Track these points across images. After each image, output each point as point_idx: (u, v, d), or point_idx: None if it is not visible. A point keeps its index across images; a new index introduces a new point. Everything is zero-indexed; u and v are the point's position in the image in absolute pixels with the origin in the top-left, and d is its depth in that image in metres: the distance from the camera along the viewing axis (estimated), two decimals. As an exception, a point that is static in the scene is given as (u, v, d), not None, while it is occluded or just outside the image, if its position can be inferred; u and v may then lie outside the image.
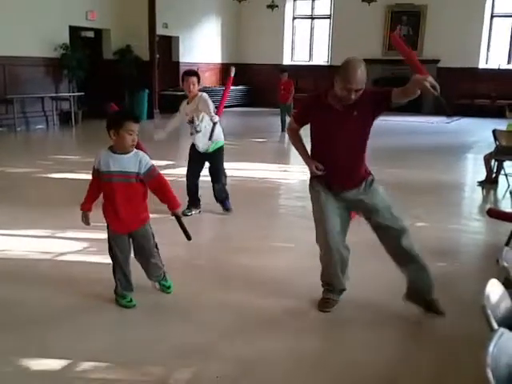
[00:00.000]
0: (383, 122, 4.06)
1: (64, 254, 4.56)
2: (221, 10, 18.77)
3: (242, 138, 11.45)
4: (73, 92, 13.43)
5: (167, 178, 3.55)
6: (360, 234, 3.50)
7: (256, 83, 18.73)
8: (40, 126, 12.64)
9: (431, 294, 3.46)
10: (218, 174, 5.54)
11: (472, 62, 17.27)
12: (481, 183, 7.45)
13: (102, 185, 3.41)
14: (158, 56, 15.11)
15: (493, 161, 7.47)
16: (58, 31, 12.76)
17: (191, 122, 5.34)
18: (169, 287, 3.68)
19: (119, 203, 3.36)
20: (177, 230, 3.50)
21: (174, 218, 3.47)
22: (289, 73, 12.89)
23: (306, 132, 3.56)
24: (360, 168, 3.42)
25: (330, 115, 3.30)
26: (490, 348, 1.58)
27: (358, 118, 3.27)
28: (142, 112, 14.72)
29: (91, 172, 3.50)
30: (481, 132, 12.55)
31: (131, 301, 3.58)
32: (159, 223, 3.93)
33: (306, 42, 20.06)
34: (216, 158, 5.49)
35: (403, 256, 3.40)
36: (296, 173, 8.24)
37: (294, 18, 19.96)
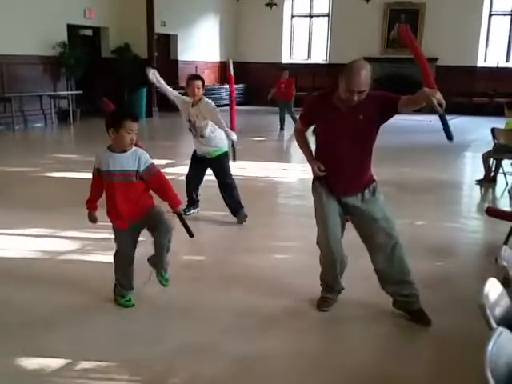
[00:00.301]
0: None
1: (62, 254, 4.55)
2: (219, 8, 18.76)
3: (240, 137, 11.42)
4: (71, 90, 13.42)
5: (167, 177, 3.54)
6: (356, 233, 3.49)
7: (254, 81, 18.70)
8: (38, 125, 12.63)
9: (417, 304, 3.45)
10: (225, 182, 5.31)
11: (470, 61, 17.28)
12: (479, 182, 7.45)
13: (104, 183, 3.41)
14: (156, 54, 15.09)
15: (491, 159, 7.48)
16: (57, 29, 12.74)
17: (193, 125, 5.23)
18: (167, 280, 3.58)
19: (120, 201, 3.36)
20: (176, 228, 3.49)
21: (175, 215, 3.46)
22: (281, 70, 12.93)
23: (309, 134, 3.56)
24: (364, 173, 3.39)
25: (334, 116, 3.27)
26: (489, 347, 1.58)
27: (363, 122, 3.23)
28: (141, 110, 14.71)
29: (92, 171, 3.48)
30: (479, 130, 12.56)
31: (130, 300, 3.58)
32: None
33: (304, 41, 20.05)
34: (219, 165, 5.29)
35: (391, 271, 3.38)
36: (295, 171, 8.24)
37: (293, 17, 19.95)
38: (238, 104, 18.57)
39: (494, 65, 17.25)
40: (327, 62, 19.07)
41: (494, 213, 4.54)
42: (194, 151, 5.44)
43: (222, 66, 19.11)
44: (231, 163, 5.43)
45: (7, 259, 4.42)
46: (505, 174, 7.25)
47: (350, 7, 17.82)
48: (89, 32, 15.01)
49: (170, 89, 5.58)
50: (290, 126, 12.81)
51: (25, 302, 3.65)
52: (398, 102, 3.16)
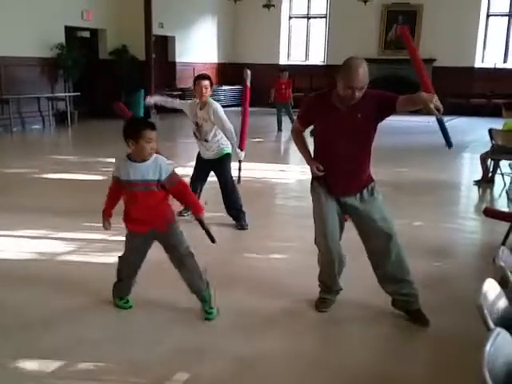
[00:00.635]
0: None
1: (60, 255, 4.55)
2: (217, 9, 18.76)
3: (238, 138, 11.42)
4: (69, 92, 13.41)
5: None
6: (355, 233, 3.50)
7: (252, 83, 18.67)
8: (36, 126, 12.62)
9: (416, 304, 3.45)
10: (226, 185, 5.27)
11: (468, 61, 17.31)
12: (477, 182, 7.46)
13: (124, 192, 3.36)
14: (154, 56, 15.09)
15: (489, 160, 7.49)
16: (54, 31, 12.73)
17: (199, 129, 5.17)
18: (210, 314, 3.42)
19: (140, 210, 3.31)
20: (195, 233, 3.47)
21: (197, 221, 3.42)
22: (281, 71, 13.01)
23: (306, 135, 3.55)
24: (363, 173, 3.39)
25: (333, 116, 3.27)
26: (487, 348, 1.58)
27: (361, 121, 3.23)
28: (139, 112, 14.66)
29: (111, 178, 3.40)
30: (477, 131, 12.58)
31: (128, 302, 3.57)
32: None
33: (302, 42, 20.07)
34: (221, 166, 5.24)
35: (390, 270, 3.39)
36: (293, 172, 8.25)
37: (290, 18, 19.97)
38: (236, 105, 18.62)
39: (492, 65, 17.28)
40: (325, 63, 19.08)
41: (491, 213, 4.54)
42: (199, 153, 5.41)
43: (220, 68, 19.14)
44: (236, 185, 5.37)
45: (4, 260, 4.41)
46: (502, 174, 7.25)
47: (348, 8, 17.83)
48: (86, 34, 15.01)
49: (176, 101, 5.55)
50: (287, 127, 12.83)
51: (22, 303, 3.64)
52: (395, 102, 3.17)
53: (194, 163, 5.53)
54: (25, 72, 12.09)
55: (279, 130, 12.85)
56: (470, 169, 8.96)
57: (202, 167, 5.38)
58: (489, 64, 17.45)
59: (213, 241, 3.44)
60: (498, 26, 17.66)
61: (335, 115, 3.26)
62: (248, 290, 3.89)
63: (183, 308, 3.57)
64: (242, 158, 5.28)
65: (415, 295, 3.43)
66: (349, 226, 3.52)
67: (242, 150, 5.25)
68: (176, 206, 3.60)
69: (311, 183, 3.50)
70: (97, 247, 4.75)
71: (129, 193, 3.32)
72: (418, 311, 3.43)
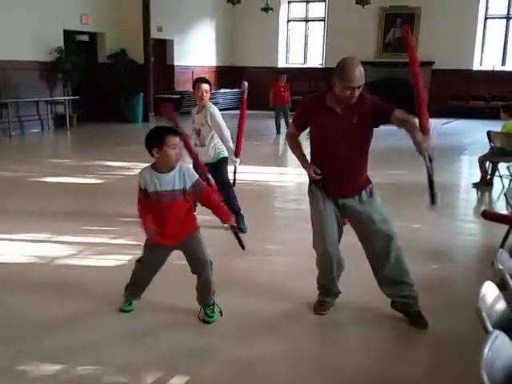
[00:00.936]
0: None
1: (59, 259, 4.54)
2: (215, 13, 18.78)
3: (235, 145, 11.44)
4: (67, 96, 13.41)
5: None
6: (354, 236, 3.50)
7: (250, 86, 18.61)
8: (35, 130, 12.62)
9: (416, 307, 3.45)
10: (224, 188, 5.11)
11: (466, 64, 17.33)
12: (476, 185, 7.47)
13: (151, 203, 3.31)
14: (152, 59, 15.11)
15: (487, 162, 7.50)
16: (53, 35, 12.74)
17: (198, 133, 5.16)
18: (211, 317, 3.45)
19: (168, 221, 3.29)
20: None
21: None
22: (279, 74, 13.13)
23: (304, 136, 3.56)
24: (360, 175, 3.40)
25: (329, 118, 3.28)
26: (485, 351, 1.58)
27: (357, 125, 3.25)
28: (137, 115, 14.72)
29: (138, 191, 3.33)
30: (475, 133, 12.58)
31: (130, 304, 3.58)
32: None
33: (300, 45, 20.10)
34: (218, 169, 5.16)
35: (390, 272, 3.39)
36: (292, 175, 8.25)
37: (289, 21, 20.00)
38: (234, 109, 18.67)
39: (490, 68, 17.30)
40: (323, 66, 19.09)
41: (489, 216, 4.54)
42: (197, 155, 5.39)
43: (219, 71, 19.16)
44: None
45: (4, 264, 4.40)
46: (501, 177, 7.26)
47: (346, 12, 17.86)
48: (85, 37, 15.02)
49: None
50: (285, 130, 12.85)
51: (21, 306, 3.64)
52: (391, 114, 3.20)
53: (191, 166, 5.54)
54: (24, 76, 12.10)
55: (278, 133, 12.88)
56: (469, 171, 8.97)
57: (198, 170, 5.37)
58: (487, 66, 17.47)
59: (243, 247, 3.49)
60: (496, 28, 17.69)
61: (331, 117, 3.27)
62: (247, 293, 3.89)
63: (183, 311, 3.57)
64: (236, 164, 5.26)
65: (415, 297, 3.44)
66: (348, 229, 3.53)
67: (237, 157, 5.23)
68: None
69: (309, 186, 3.51)
70: (96, 251, 4.75)
71: (156, 204, 3.27)
72: (418, 313, 3.44)
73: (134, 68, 14.60)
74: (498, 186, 7.33)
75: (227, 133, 5.09)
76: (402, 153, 10.68)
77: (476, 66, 17.60)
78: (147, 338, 3.31)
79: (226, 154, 5.25)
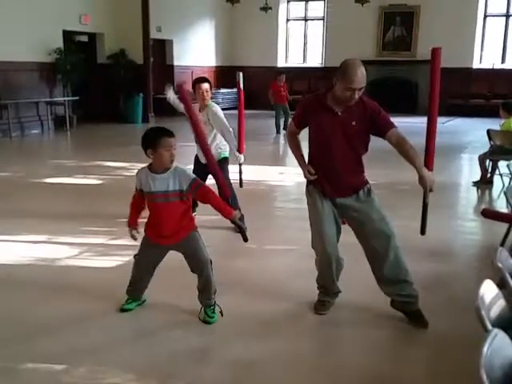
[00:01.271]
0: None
1: (60, 259, 4.55)
2: (214, 12, 18.78)
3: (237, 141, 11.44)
4: (67, 96, 13.42)
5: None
6: (353, 235, 3.50)
7: (250, 85, 18.62)
8: (35, 131, 12.62)
9: (415, 306, 3.45)
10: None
11: (466, 62, 17.32)
12: (476, 183, 7.46)
13: (147, 203, 3.37)
14: (152, 59, 15.11)
15: (487, 161, 7.49)
16: (52, 36, 12.75)
17: None
18: (211, 318, 3.44)
19: (163, 222, 3.32)
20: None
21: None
22: (278, 74, 13.22)
23: (304, 136, 3.56)
24: (356, 176, 3.40)
25: (328, 118, 3.28)
26: (484, 349, 1.58)
27: (355, 129, 3.26)
28: (137, 116, 14.72)
29: (134, 190, 3.41)
30: (475, 132, 12.58)
31: (129, 303, 3.57)
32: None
33: (299, 44, 20.09)
34: (220, 169, 5.28)
35: (389, 271, 3.39)
36: (292, 175, 8.24)
37: (288, 20, 19.99)
38: (234, 108, 18.66)
39: (490, 66, 17.30)
40: (323, 65, 19.09)
41: (489, 214, 4.54)
42: (196, 156, 5.39)
43: (218, 71, 19.15)
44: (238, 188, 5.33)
45: (4, 265, 4.40)
46: (501, 175, 7.25)
47: (345, 11, 17.85)
48: (84, 38, 15.03)
49: (181, 105, 5.51)
50: (284, 129, 12.85)
51: (21, 307, 3.64)
52: (386, 132, 3.23)
53: (192, 166, 5.53)
54: (23, 77, 12.10)
55: (278, 132, 12.90)
56: (469, 170, 8.97)
57: (200, 171, 5.36)
58: (487, 65, 17.47)
59: (245, 239, 3.60)
60: (496, 26, 17.68)
61: (330, 118, 3.28)
62: (247, 293, 3.89)
63: (183, 311, 3.58)
64: (241, 161, 5.27)
65: (414, 296, 3.44)
66: (347, 228, 3.53)
67: (241, 153, 5.24)
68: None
69: (306, 187, 3.51)
70: (96, 251, 4.75)
71: (151, 204, 3.33)
72: (418, 312, 3.43)
73: (134, 68, 14.61)
74: (498, 184, 7.32)
75: (230, 130, 5.09)
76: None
77: (476, 65, 17.59)
78: (147, 338, 3.31)
79: (227, 153, 5.25)
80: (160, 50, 16.79)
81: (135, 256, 3.51)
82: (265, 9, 17.62)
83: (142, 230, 3.49)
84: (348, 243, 3.58)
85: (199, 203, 5.02)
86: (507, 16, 17.49)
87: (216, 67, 19.13)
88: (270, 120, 13.87)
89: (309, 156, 3.50)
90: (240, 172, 5.43)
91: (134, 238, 3.49)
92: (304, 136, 3.55)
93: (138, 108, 14.72)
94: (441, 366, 3.02)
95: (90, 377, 2.87)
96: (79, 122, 13.70)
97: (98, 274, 4.23)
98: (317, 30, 19.56)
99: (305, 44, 19.97)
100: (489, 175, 7.51)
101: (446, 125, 14.65)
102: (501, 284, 2.36)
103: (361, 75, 3.11)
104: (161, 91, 16.32)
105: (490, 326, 1.88)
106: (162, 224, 3.33)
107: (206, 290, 3.44)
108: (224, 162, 5.25)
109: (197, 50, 17.98)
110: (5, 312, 3.58)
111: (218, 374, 2.90)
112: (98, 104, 14.61)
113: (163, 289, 3.81)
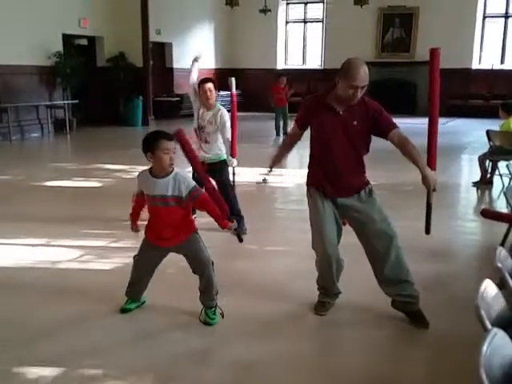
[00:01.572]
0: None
1: (59, 262, 4.55)
2: (213, 15, 18.80)
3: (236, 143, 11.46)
4: (67, 100, 13.43)
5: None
6: (354, 236, 3.50)
7: (249, 88, 18.72)
8: (35, 135, 12.63)
9: (416, 306, 3.45)
10: (225, 189, 5.14)
11: (465, 63, 17.34)
12: (476, 184, 7.47)
13: (147, 206, 3.39)
14: (151, 62, 15.13)
15: (487, 161, 7.50)
16: (52, 39, 12.77)
17: (202, 129, 5.15)
18: (212, 319, 3.44)
19: (162, 224, 3.33)
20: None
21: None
22: (278, 76, 13.17)
23: (303, 140, 3.57)
24: (357, 176, 3.40)
25: (329, 117, 3.29)
26: (484, 348, 1.58)
27: (357, 129, 3.27)
28: (137, 118, 14.73)
29: (136, 190, 3.45)
30: (475, 132, 12.59)
31: (129, 304, 3.58)
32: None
33: (299, 46, 20.11)
34: (220, 171, 5.18)
35: (390, 271, 3.39)
36: (292, 177, 8.24)
37: (287, 22, 20.02)
38: (234, 110, 18.59)
39: (489, 67, 17.31)
40: (322, 67, 19.11)
41: (489, 214, 4.54)
42: None
43: (218, 73, 19.15)
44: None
45: (3, 268, 4.40)
46: (501, 175, 7.25)
47: (344, 12, 17.87)
48: (84, 41, 15.05)
49: (194, 79, 5.47)
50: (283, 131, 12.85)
51: (21, 310, 3.64)
52: (389, 133, 3.23)
53: (191, 168, 5.52)
54: (23, 80, 12.12)
55: (277, 134, 12.90)
56: (469, 170, 8.97)
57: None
58: (486, 65, 17.48)
59: (240, 240, 3.64)
60: (495, 27, 17.70)
61: (331, 117, 3.28)
62: (247, 294, 3.90)
63: (184, 312, 3.58)
64: (234, 165, 5.24)
65: (416, 296, 3.44)
66: (348, 229, 3.53)
67: (233, 157, 5.21)
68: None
69: (307, 188, 3.51)
70: (96, 254, 4.75)
71: (151, 207, 3.35)
72: (418, 312, 3.44)
73: (133, 71, 14.62)
74: (498, 184, 7.32)
75: (229, 136, 5.11)
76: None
77: (475, 65, 17.62)
78: (148, 339, 3.31)
79: (225, 156, 5.25)
80: (159, 53, 16.82)
81: (135, 257, 3.51)
82: (264, 11, 17.64)
83: (142, 231, 3.50)
84: (348, 244, 3.59)
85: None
86: (506, 17, 17.51)
87: (215, 70, 19.14)
88: (269, 122, 13.87)
89: (310, 157, 3.50)
90: (233, 174, 5.41)
91: (136, 231, 3.52)
92: (305, 136, 3.56)
93: (137, 111, 14.73)
94: (441, 366, 3.02)
95: (90, 379, 2.87)
96: (79, 125, 13.72)
97: (98, 277, 4.23)
98: (316, 31, 19.59)
99: (304, 46, 20.00)
100: (488, 176, 7.52)
101: (446, 125, 14.65)
102: (500, 284, 2.36)
103: (363, 73, 3.12)
104: (161, 94, 16.44)
105: (489, 326, 1.88)
106: (162, 227, 3.34)
107: (207, 291, 3.45)
108: (224, 163, 5.25)
109: (196, 52, 17.88)
110: (5, 315, 3.58)
111: (219, 375, 2.90)
112: (97, 107, 14.63)
113: (163, 290, 3.82)
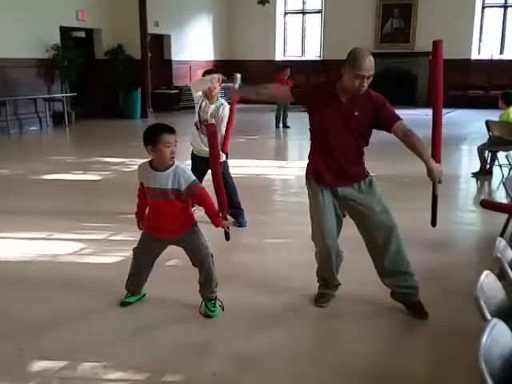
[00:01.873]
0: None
1: (59, 256, 4.54)
2: (212, 6, 18.73)
3: (235, 135, 11.41)
4: (65, 93, 13.39)
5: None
6: (354, 228, 3.50)
7: (248, 79, 18.55)
8: (33, 128, 12.61)
9: (416, 297, 3.46)
10: (226, 182, 5.01)
11: (464, 54, 17.28)
12: (475, 174, 7.47)
13: (148, 198, 3.39)
14: (150, 55, 15.09)
15: (486, 152, 7.49)
16: (49, 32, 12.71)
17: (204, 123, 5.07)
18: (212, 311, 3.44)
19: (161, 217, 3.33)
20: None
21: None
22: (282, 68, 13.04)
23: (303, 130, 3.55)
24: (356, 166, 3.39)
25: (332, 105, 3.27)
26: (483, 339, 1.58)
27: (357, 119, 3.26)
28: (136, 111, 14.70)
29: (134, 185, 3.45)
30: (474, 123, 12.57)
31: (129, 297, 3.58)
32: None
33: (297, 37, 20.04)
34: (222, 164, 5.00)
35: (390, 262, 3.39)
36: (292, 169, 8.25)
37: (286, 13, 19.94)
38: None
39: (489, 57, 17.26)
40: (321, 58, 19.06)
41: (488, 205, 4.53)
42: (192, 152, 5.35)
43: (216, 65, 19.10)
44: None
45: (4, 262, 4.41)
46: (500, 166, 7.25)
47: (343, 3, 17.82)
48: (82, 34, 14.99)
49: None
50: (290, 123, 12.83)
51: (22, 304, 3.65)
52: (391, 127, 3.22)
53: (189, 162, 5.51)
54: (21, 74, 12.07)
55: (277, 126, 12.88)
56: (468, 161, 8.96)
57: (199, 166, 5.34)
58: (485, 56, 17.43)
59: (227, 239, 3.57)
60: (494, 17, 17.63)
61: (334, 105, 3.27)
62: (247, 287, 3.90)
63: (184, 305, 3.58)
64: (222, 159, 5.16)
65: (416, 287, 3.44)
66: (348, 220, 3.53)
67: (224, 152, 5.16)
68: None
69: (307, 179, 3.50)
70: (96, 248, 4.75)
71: (151, 200, 3.34)
72: (418, 303, 3.44)
73: (132, 64, 14.58)
74: (497, 175, 7.32)
75: (223, 130, 5.09)
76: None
77: (474, 56, 17.57)
78: (148, 332, 3.32)
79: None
80: (158, 45, 16.77)
81: (134, 249, 3.52)
82: (262, 2, 17.54)
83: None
84: (348, 236, 3.59)
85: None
86: (505, 7, 17.45)
87: (214, 61, 19.08)
88: (268, 114, 13.85)
89: (311, 146, 3.49)
90: (223, 171, 5.28)
91: (141, 229, 3.51)
92: (305, 129, 3.54)
93: (136, 103, 14.71)
94: (441, 357, 3.03)
95: (90, 372, 2.88)
96: (77, 118, 13.69)
97: (98, 270, 4.23)
98: (315, 22, 19.52)
99: (303, 37, 19.93)
100: (488, 166, 7.51)
101: (446, 116, 14.61)
102: (500, 274, 2.36)
103: (369, 62, 3.13)
104: (159, 86, 16.39)
105: (489, 316, 1.88)
106: (161, 219, 3.34)
107: (207, 284, 3.45)
108: (225, 157, 5.23)
109: (195, 44, 17.94)
110: (4, 309, 3.58)
111: (218, 367, 2.91)
112: (96, 100, 14.59)
113: (164, 283, 3.82)
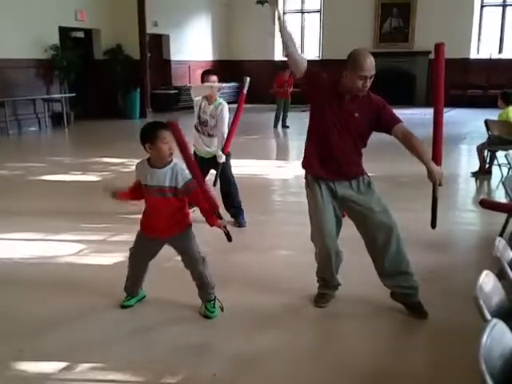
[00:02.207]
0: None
1: (58, 257, 4.54)
2: (210, 6, 18.71)
3: (235, 135, 11.42)
4: (64, 93, 13.37)
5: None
6: (353, 228, 3.50)
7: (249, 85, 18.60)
8: (32, 129, 12.59)
9: (416, 297, 3.46)
10: (229, 182, 5.22)
11: (463, 53, 17.27)
12: (474, 174, 7.47)
13: (144, 195, 3.37)
14: (149, 55, 15.08)
15: (486, 151, 7.49)
16: (48, 32, 12.69)
17: (204, 123, 5.11)
18: (212, 312, 3.45)
19: (157, 216, 3.33)
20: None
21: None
22: (281, 68, 13.06)
23: (303, 130, 3.55)
24: (353, 163, 3.39)
25: (334, 104, 3.27)
26: (483, 339, 1.58)
27: (357, 120, 3.26)
28: (135, 111, 14.69)
29: (135, 180, 3.43)
30: (474, 122, 12.56)
31: (129, 300, 3.58)
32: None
33: (296, 37, 20.01)
34: (223, 164, 5.14)
35: (390, 262, 3.39)
36: (291, 169, 8.24)
37: (284, 13, 19.91)
38: (232, 102, 18.60)
39: (487, 56, 17.26)
40: (320, 57, 19.05)
41: (487, 205, 4.54)
42: (194, 152, 5.33)
43: (215, 65, 19.09)
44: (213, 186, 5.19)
45: (2, 263, 4.40)
46: (499, 165, 7.25)
47: (342, 2, 17.80)
48: (80, 34, 14.98)
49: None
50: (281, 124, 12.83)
51: (20, 305, 3.64)
52: (392, 129, 3.23)
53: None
54: (20, 74, 12.05)
55: (275, 126, 12.88)
56: (468, 160, 8.96)
57: (201, 165, 5.31)
58: (484, 55, 17.43)
59: (229, 240, 3.48)
60: (493, 16, 17.63)
61: (336, 103, 3.27)
62: (247, 287, 3.89)
63: (184, 306, 3.58)
64: (222, 160, 5.16)
65: (415, 288, 3.44)
66: (347, 221, 3.53)
67: (224, 153, 5.15)
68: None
69: (306, 180, 3.50)
70: (94, 248, 4.75)
71: (148, 198, 3.34)
72: (418, 304, 3.44)
73: (131, 64, 14.57)
74: (496, 174, 7.31)
75: (224, 131, 5.09)
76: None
77: (473, 55, 17.56)
78: (148, 333, 3.32)
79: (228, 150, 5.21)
80: (157, 45, 16.75)
81: (130, 249, 3.51)
82: (261, 2, 17.51)
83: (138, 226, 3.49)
84: (347, 236, 3.58)
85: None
86: (504, 6, 17.44)
87: (213, 61, 19.07)
88: (267, 114, 13.84)
89: (307, 140, 3.48)
90: (218, 172, 5.27)
91: (115, 198, 3.49)
92: (305, 129, 3.54)
93: (135, 103, 14.70)
94: (441, 357, 3.03)
95: (89, 372, 2.88)
96: (76, 119, 13.67)
97: (97, 271, 4.23)
98: (314, 22, 19.50)
99: (302, 37, 19.92)
100: (487, 166, 7.51)
101: (445, 116, 14.55)
102: (500, 274, 2.36)
103: (370, 63, 3.14)
104: (158, 86, 16.37)
105: (488, 316, 1.88)
106: (156, 217, 3.34)
107: (202, 286, 3.45)
108: (228, 157, 5.21)
109: (194, 44, 17.93)
110: (3, 309, 3.58)
111: (218, 368, 2.90)
112: (95, 100, 14.58)
113: (163, 284, 3.82)
